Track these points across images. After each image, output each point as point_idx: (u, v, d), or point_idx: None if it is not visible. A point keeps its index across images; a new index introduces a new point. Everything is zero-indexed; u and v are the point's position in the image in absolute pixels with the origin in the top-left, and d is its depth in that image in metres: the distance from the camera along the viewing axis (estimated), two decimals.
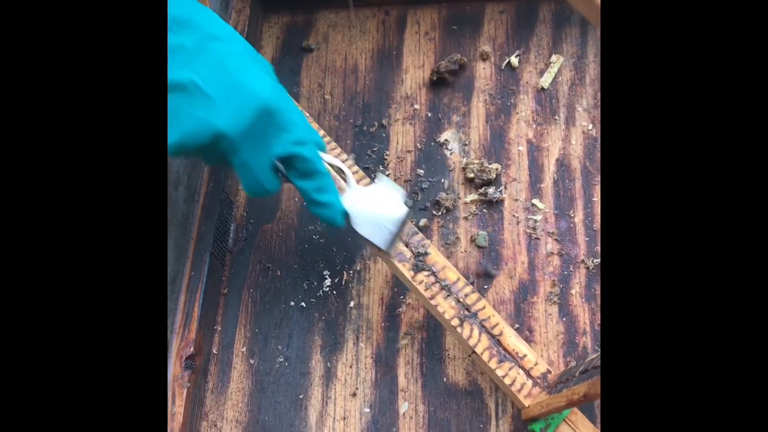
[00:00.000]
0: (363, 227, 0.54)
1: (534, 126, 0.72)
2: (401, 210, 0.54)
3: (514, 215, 0.68)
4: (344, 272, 0.66)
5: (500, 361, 0.56)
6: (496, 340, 0.56)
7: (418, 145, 0.72)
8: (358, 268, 0.67)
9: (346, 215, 0.54)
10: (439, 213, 0.68)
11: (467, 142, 0.71)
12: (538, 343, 0.62)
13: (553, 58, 0.74)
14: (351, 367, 0.62)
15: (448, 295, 0.56)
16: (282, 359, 0.63)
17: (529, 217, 0.67)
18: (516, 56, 0.75)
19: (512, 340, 0.57)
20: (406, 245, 0.55)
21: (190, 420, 0.60)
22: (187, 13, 0.45)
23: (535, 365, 0.56)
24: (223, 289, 0.67)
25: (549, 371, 0.56)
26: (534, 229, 0.67)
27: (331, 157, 0.54)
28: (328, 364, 0.63)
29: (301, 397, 0.62)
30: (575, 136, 0.71)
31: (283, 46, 0.78)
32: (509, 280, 0.65)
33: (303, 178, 0.51)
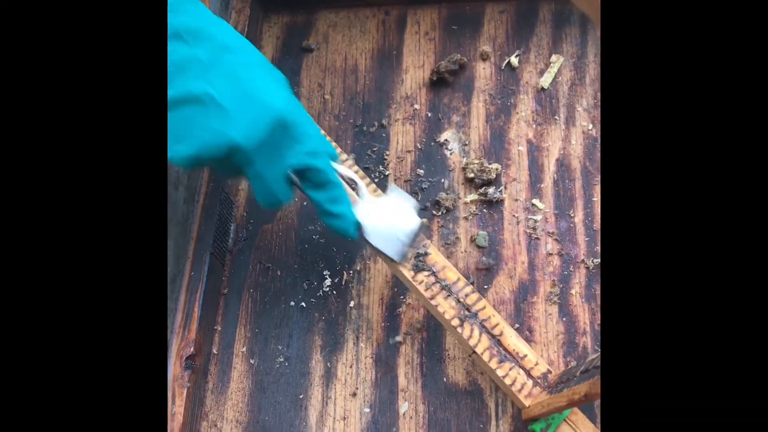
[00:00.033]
0: (376, 239, 0.54)
1: (534, 126, 0.72)
2: (414, 221, 0.54)
3: (514, 215, 0.68)
4: (344, 272, 0.66)
5: (501, 361, 0.56)
6: (497, 340, 0.56)
7: (418, 145, 0.72)
8: (358, 268, 0.67)
9: (358, 226, 0.54)
10: (439, 213, 0.68)
11: (467, 142, 0.71)
12: (538, 343, 0.62)
13: (553, 58, 0.75)
14: (351, 367, 0.62)
15: (449, 295, 0.56)
16: (282, 359, 0.63)
17: (529, 217, 0.67)
18: (516, 56, 0.75)
19: (512, 340, 0.57)
20: (348, 185, 0.55)
21: (190, 420, 0.60)
22: (202, 24, 0.45)
23: (536, 365, 0.56)
24: (223, 289, 0.67)
25: (549, 371, 0.56)
26: (534, 229, 0.67)
27: (344, 167, 0.54)
28: (328, 364, 0.63)
29: (301, 397, 0.62)
30: (575, 136, 0.71)
31: (283, 46, 0.78)
32: (509, 280, 0.65)
33: (316, 189, 0.51)
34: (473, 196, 0.68)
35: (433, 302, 0.56)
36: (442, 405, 0.61)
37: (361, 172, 0.60)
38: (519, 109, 0.73)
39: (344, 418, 0.61)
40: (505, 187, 0.69)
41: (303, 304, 0.65)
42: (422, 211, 0.68)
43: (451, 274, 0.57)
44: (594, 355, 0.50)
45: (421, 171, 0.70)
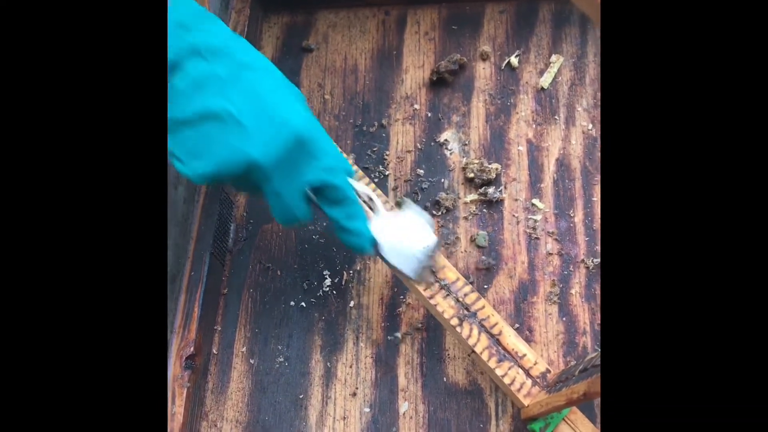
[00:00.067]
0: (392, 256, 0.54)
1: (534, 126, 0.72)
2: (430, 239, 0.54)
3: (514, 215, 0.68)
4: (344, 272, 0.66)
5: (499, 361, 0.56)
6: (496, 340, 0.56)
7: (418, 145, 0.72)
8: (358, 267, 0.67)
9: (374, 243, 0.54)
10: (439, 213, 0.68)
11: (467, 142, 0.71)
12: (538, 342, 0.62)
13: (553, 58, 0.75)
14: (351, 366, 0.62)
15: (448, 295, 0.57)
16: (282, 359, 0.63)
17: (529, 216, 0.67)
18: (516, 56, 0.75)
19: (511, 339, 0.57)
20: (364, 201, 0.55)
21: (190, 420, 0.60)
22: (222, 42, 0.45)
23: (535, 364, 0.56)
24: (223, 289, 0.67)
25: (548, 370, 0.56)
26: (534, 228, 0.67)
27: (360, 184, 0.54)
28: (328, 363, 0.63)
29: (301, 397, 0.62)
30: (575, 136, 0.71)
31: (282, 46, 0.78)
32: (509, 279, 0.65)
33: (333, 205, 0.51)
34: (473, 196, 0.68)
35: (432, 302, 0.56)
36: (442, 405, 0.61)
37: (378, 190, 0.60)
38: (519, 109, 0.73)
39: (344, 417, 0.61)
40: (505, 187, 0.69)
41: (303, 304, 0.65)
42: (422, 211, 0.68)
43: (451, 274, 0.57)
44: (593, 354, 0.50)
45: (421, 171, 0.70)
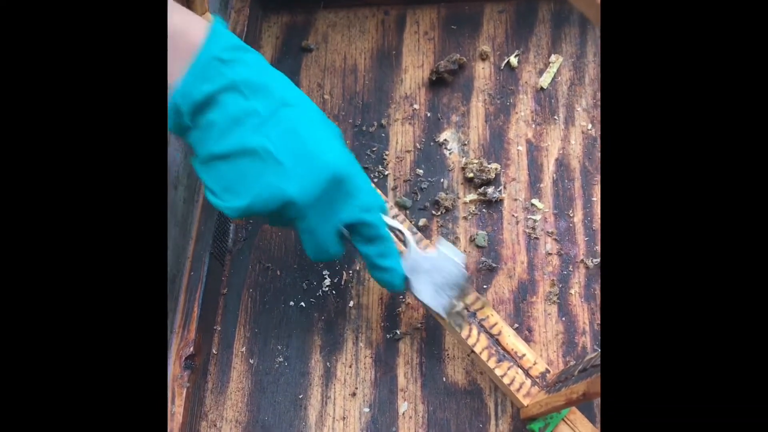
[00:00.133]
0: (423, 293, 0.54)
1: (533, 126, 0.72)
2: (461, 276, 0.54)
3: (513, 215, 0.68)
4: (344, 272, 0.66)
5: (499, 361, 0.56)
6: (495, 340, 0.56)
7: (418, 144, 0.72)
8: (358, 267, 0.67)
9: (405, 280, 0.54)
10: (439, 213, 0.68)
11: (466, 142, 0.71)
12: (538, 342, 0.62)
13: (553, 57, 0.75)
14: (350, 366, 0.62)
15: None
16: (281, 359, 0.63)
17: (529, 216, 0.67)
18: (515, 56, 0.75)
19: (511, 339, 0.57)
20: (396, 237, 0.55)
21: (190, 420, 0.60)
22: (263, 79, 0.45)
23: (534, 364, 0.56)
24: (223, 289, 0.67)
25: (548, 370, 0.56)
26: (533, 228, 0.67)
27: (392, 219, 0.54)
28: (328, 363, 0.63)
29: (300, 396, 0.62)
30: (574, 136, 0.71)
31: (282, 46, 0.78)
32: (508, 279, 0.65)
33: (367, 243, 0.51)
34: (472, 196, 0.68)
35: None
36: (442, 405, 0.61)
37: (408, 223, 0.60)
38: (518, 109, 0.73)
39: (344, 417, 0.61)
40: (505, 187, 0.69)
41: (302, 304, 0.65)
42: (421, 211, 0.68)
43: None
44: (592, 354, 0.51)
45: (421, 171, 0.70)
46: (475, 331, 0.56)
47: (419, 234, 0.61)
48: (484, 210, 0.68)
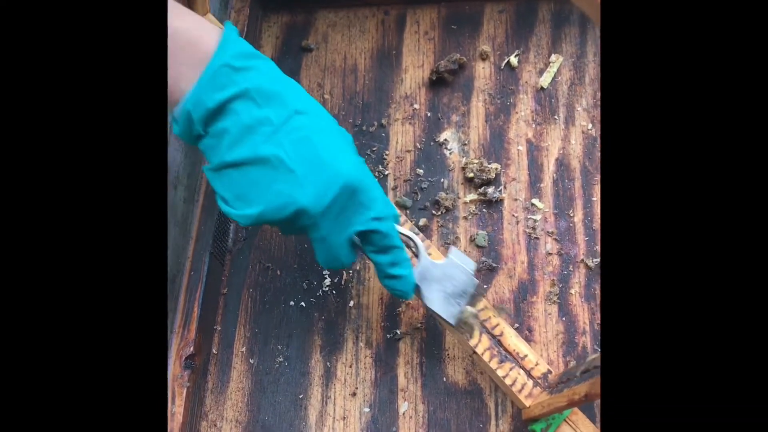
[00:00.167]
0: (433, 302, 0.54)
1: (533, 126, 0.72)
2: (472, 284, 0.54)
3: (513, 215, 0.68)
4: (344, 272, 0.66)
5: (501, 362, 0.56)
6: (497, 341, 0.56)
7: (418, 144, 0.72)
8: (358, 267, 0.67)
9: (416, 288, 0.54)
10: (439, 213, 0.68)
11: (467, 142, 0.71)
12: (538, 342, 0.62)
13: (553, 57, 0.75)
14: (351, 366, 0.62)
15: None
16: (282, 359, 0.63)
17: (529, 216, 0.67)
18: (515, 56, 0.75)
19: (513, 340, 0.57)
20: (407, 246, 0.55)
21: (190, 420, 0.60)
22: (275, 86, 0.45)
23: (536, 365, 0.56)
24: (223, 289, 0.67)
25: (550, 371, 0.56)
26: (533, 228, 0.67)
27: (404, 228, 0.54)
28: (328, 363, 0.63)
29: (300, 396, 0.62)
30: (575, 136, 0.71)
31: (282, 46, 0.78)
32: (509, 279, 0.65)
33: (379, 252, 0.51)
34: (473, 196, 0.68)
35: None
36: (442, 405, 0.61)
37: (420, 234, 0.60)
38: (518, 109, 0.73)
39: (344, 417, 0.61)
40: (505, 187, 0.69)
41: (303, 303, 0.65)
42: (422, 211, 0.68)
43: None
44: (594, 355, 0.51)
45: (421, 171, 0.70)
46: (476, 332, 0.56)
47: (428, 241, 0.61)
48: (484, 210, 0.68)
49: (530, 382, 0.55)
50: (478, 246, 0.66)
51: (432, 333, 0.63)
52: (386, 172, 0.70)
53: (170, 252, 0.66)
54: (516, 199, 0.68)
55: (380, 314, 0.64)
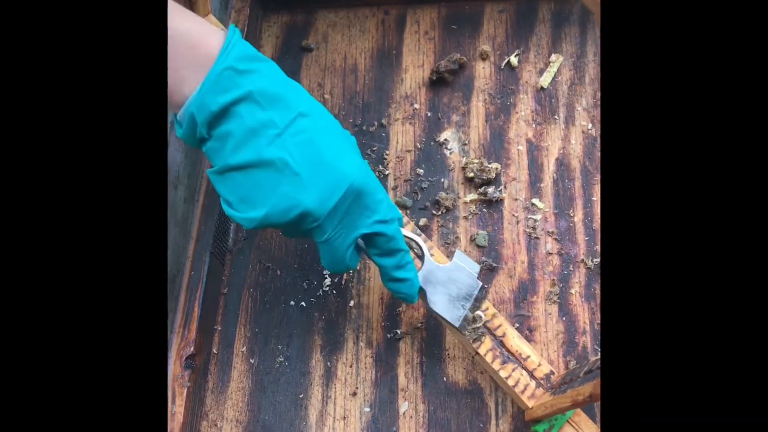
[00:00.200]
0: (437, 304, 0.54)
1: (533, 125, 0.72)
2: (476, 287, 0.55)
3: (513, 215, 0.68)
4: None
5: (503, 362, 0.56)
6: (499, 341, 0.56)
7: (418, 144, 0.72)
8: (358, 267, 0.67)
9: (421, 291, 0.54)
10: (439, 212, 0.68)
11: (467, 142, 0.71)
12: (538, 342, 0.62)
13: (553, 57, 0.75)
14: (351, 366, 0.62)
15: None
16: (282, 359, 0.63)
17: (529, 216, 0.67)
18: (515, 56, 0.75)
19: (515, 341, 0.57)
20: (411, 248, 0.55)
21: (190, 419, 0.60)
22: (279, 89, 0.45)
23: (539, 366, 0.56)
24: (223, 289, 0.67)
25: (552, 372, 0.56)
26: (534, 228, 0.67)
27: (409, 231, 0.54)
28: (328, 363, 0.63)
29: (301, 396, 0.62)
30: (575, 136, 0.71)
31: (282, 46, 0.78)
32: (509, 279, 0.65)
33: (384, 255, 0.51)
34: (473, 196, 0.68)
35: None
36: (442, 404, 0.61)
37: (423, 236, 0.60)
38: (518, 109, 0.73)
39: (344, 417, 0.61)
40: (505, 187, 0.69)
41: (303, 303, 0.65)
42: (422, 211, 0.68)
43: None
44: (597, 356, 0.51)
45: (421, 170, 0.70)
46: (484, 337, 0.56)
47: (429, 242, 0.61)
48: (484, 210, 0.68)
49: (533, 383, 0.55)
50: (478, 246, 0.66)
51: (432, 333, 0.63)
52: (386, 172, 0.70)
53: (170, 252, 0.66)
54: (516, 199, 0.68)
55: (380, 314, 0.64)
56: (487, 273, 0.65)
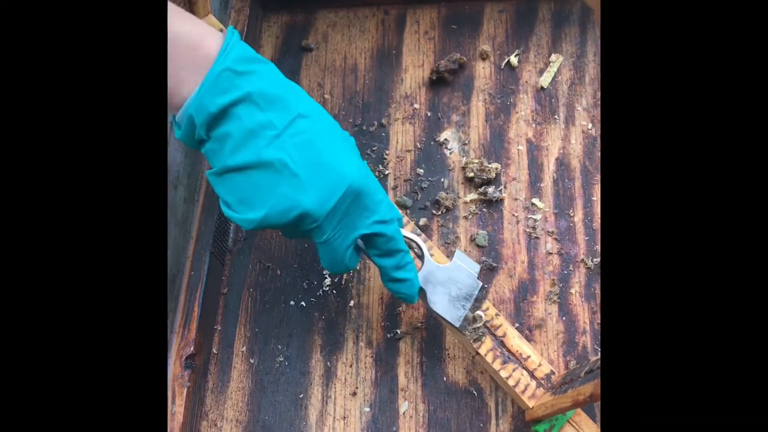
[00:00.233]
0: (438, 305, 0.54)
1: (533, 125, 0.72)
2: (476, 287, 0.55)
3: (513, 214, 0.68)
4: None
5: (504, 362, 0.56)
6: (500, 341, 0.56)
7: (418, 144, 0.72)
8: (358, 267, 0.67)
9: (421, 291, 0.54)
10: (439, 212, 0.68)
11: (467, 142, 0.71)
12: (538, 342, 0.62)
13: (553, 57, 0.75)
14: (351, 366, 0.62)
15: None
16: (282, 359, 0.63)
17: (529, 216, 0.67)
18: (515, 55, 0.75)
19: (515, 341, 0.57)
20: (411, 248, 0.55)
21: (190, 419, 0.60)
22: (278, 90, 0.45)
23: (539, 366, 0.56)
24: (223, 289, 0.67)
25: (553, 372, 0.56)
26: (534, 228, 0.67)
27: (409, 231, 0.54)
28: (328, 363, 0.63)
29: (301, 396, 0.62)
30: (575, 136, 0.71)
31: (282, 46, 0.78)
32: (509, 279, 0.65)
33: (384, 256, 0.51)
34: (473, 196, 0.68)
35: None
36: (442, 404, 0.61)
37: (423, 236, 0.60)
38: (518, 109, 0.73)
39: (344, 417, 0.61)
40: (505, 187, 0.69)
41: (303, 303, 0.65)
42: (422, 211, 0.68)
43: None
44: (598, 356, 0.51)
45: (421, 170, 0.70)
46: (485, 337, 0.56)
47: (429, 241, 0.61)
48: (484, 209, 0.68)
49: (533, 383, 0.55)
50: (478, 246, 0.66)
51: (432, 332, 0.63)
52: (386, 172, 0.70)
53: (170, 252, 0.66)
54: (516, 199, 0.68)
55: (380, 314, 0.64)
56: (487, 273, 0.65)
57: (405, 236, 0.53)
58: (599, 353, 0.60)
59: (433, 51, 0.76)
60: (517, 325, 0.63)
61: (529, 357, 0.56)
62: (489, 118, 0.72)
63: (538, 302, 0.64)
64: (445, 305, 0.54)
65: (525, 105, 0.73)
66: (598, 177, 0.69)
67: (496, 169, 0.68)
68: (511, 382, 0.55)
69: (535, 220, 0.67)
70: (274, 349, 0.64)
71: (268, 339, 0.64)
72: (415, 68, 0.76)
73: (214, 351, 0.64)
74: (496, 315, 0.58)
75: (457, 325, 0.54)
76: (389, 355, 0.63)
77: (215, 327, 0.65)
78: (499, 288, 0.65)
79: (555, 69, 0.74)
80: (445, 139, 0.71)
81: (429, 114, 0.73)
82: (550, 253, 0.66)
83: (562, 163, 0.70)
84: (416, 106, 0.74)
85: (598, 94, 0.73)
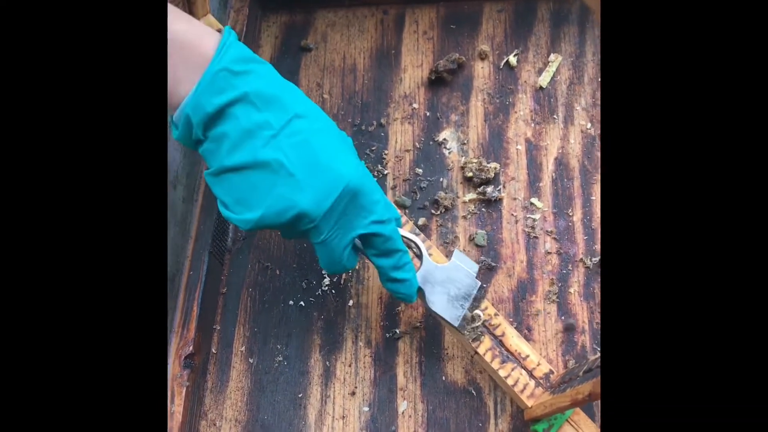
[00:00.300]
0: (436, 304, 0.54)
1: (532, 125, 0.72)
2: (475, 287, 0.55)
3: (512, 214, 0.68)
4: None
5: (503, 362, 0.56)
6: (499, 341, 0.56)
7: (417, 144, 0.72)
8: (357, 267, 0.67)
9: (420, 291, 0.54)
10: (438, 212, 0.68)
11: (466, 141, 0.71)
12: (537, 341, 0.62)
13: (552, 57, 0.75)
14: (350, 365, 0.62)
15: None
16: (281, 358, 0.63)
17: (528, 216, 0.67)
18: (514, 55, 0.75)
19: (514, 340, 0.57)
20: (409, 248, 0.55)
21: (189, 419, 0.60)
22: (275, 90, 0.45)
23: (538, 365, 0.56)
24: (222, 289, 0.67)
25: (552, 371, 0.56)
26: (533, 227, 0.67)
27: (407, 231, 0.54)
28: (327, 363, 0.63)
29: (300, 396, 0.62)
30: (574, 135, 0.71)
31: (281, 46, 0.78)
32: (508, 278, 0.65)
33: (381, 256, 0.51)
34: (472, 195, 0.68)
35: None
36: (441, 404, 0.61)
37: (422, 235, 0.60)
38: (517, 108, 0.73)
39: (343, 417, 0.61)
40: (504, 186, 0.69)
41: (302, 303, 0.65)
42: (421, 210, 0.68)
43: None
44: (597, 355, 0.51)
45: (420, 170, 0.70)
46: (483, 337, 0.56)
47: (428, 241, 0.61)
48: (483, 209, 0.68)
49: (532, 383, 0.55)
50: (477, 245, 0.66)
51: (431, 332, 0.63)
52: (385, 172, 0.70)
53: (169, 251, 0.66)
54: (515, 199, 0.68)
55: (379, 313, 0.64)
56: (486, 272, 0.65)
57: (403, 236, 0.53)
58: (598, 352, 0.60)
59: (432, 51, 0.76)
60: (515, 324, 0.63)
61: (527, 356, 0.56)
62: (488, 117, 0.72)
63: (536, 302, 0.64)
64: (443, 305, 0.54)
65: (524, 105, 0.73)
66: (597, 176, 0.69)
67: (495, 168, 0.68)
68: (509, 382, 0.55)
69: (534, 220, 0.67)
70: (273, 349, 0.64)
71: (267, 339, 0.64)
72: (414, 68, 0.76)
73: (213, 351, 0.64)
74: (495, 314, 0.58)
75: (456, 324, 0.54)
76: (388, 354, 0.63)
77: (214, 327, 0.65)
78: (497, 287, 0.65)
79: (554, 69, 0.74)
80: (444, 139, 0.71)
81: (428, 114, 0.73)
82: (549, 253, 0.66)
83: (561, 163, 0.70)
84: (415, 105, 0.74)
85: (597, 93, 0.73)
